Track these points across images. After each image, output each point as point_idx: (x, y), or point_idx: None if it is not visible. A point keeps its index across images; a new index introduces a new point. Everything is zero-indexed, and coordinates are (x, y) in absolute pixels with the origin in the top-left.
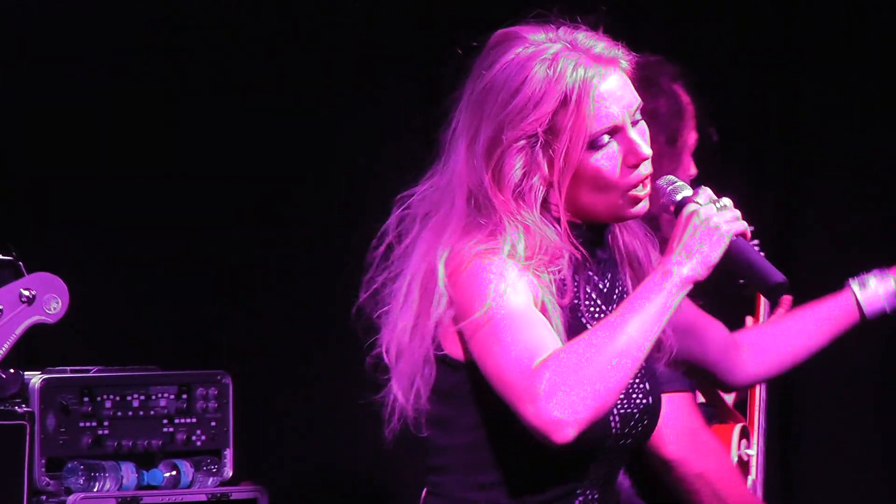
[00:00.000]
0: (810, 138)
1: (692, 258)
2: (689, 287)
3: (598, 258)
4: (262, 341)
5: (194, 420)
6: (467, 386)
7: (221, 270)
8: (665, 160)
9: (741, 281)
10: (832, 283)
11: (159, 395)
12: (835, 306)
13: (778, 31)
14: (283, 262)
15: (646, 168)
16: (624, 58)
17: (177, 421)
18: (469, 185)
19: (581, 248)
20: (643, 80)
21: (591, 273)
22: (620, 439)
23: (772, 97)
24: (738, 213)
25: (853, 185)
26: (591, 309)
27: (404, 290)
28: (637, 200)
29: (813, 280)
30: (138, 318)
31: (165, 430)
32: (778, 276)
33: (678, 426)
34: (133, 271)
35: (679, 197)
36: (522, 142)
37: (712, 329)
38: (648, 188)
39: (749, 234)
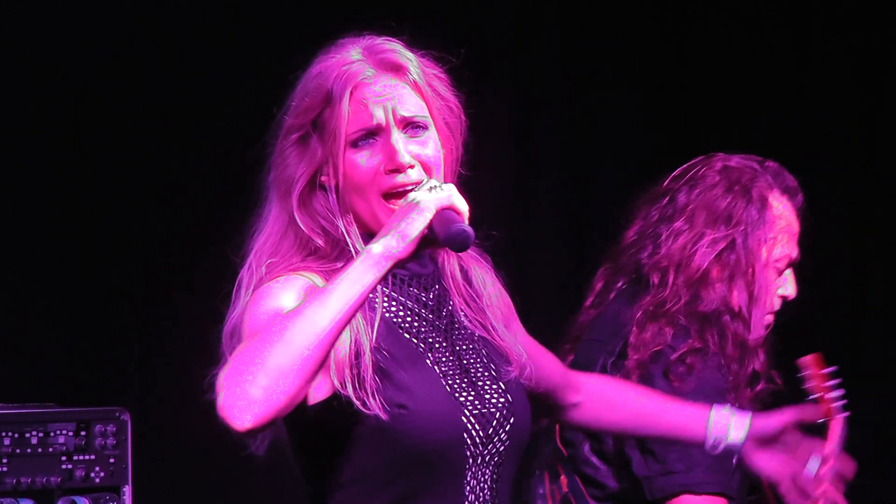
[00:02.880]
0: None
1: (388, 234)
2: (389, 263)
3: (414, 272)
4: (160, 377)
5: (93, 457)
6: (318, 431)
7: (119, 306)
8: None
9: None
10: None
11: (58, 432)
12: (690, 417)
13: None
14: (182, 297)
15: (406, 177)
16: (415, 68)
17: (75, 458)
18: (268, 185)
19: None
20: (732, 188)
21: (411, 287)
22: (488, 444)
23: None
24: (452, 192)
25: None
26: (409, 320)
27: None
28: (391, 213)
29: None
30: (35, 355)
31: (64, 466)
32: (458, 226)
33: None
34: (29, 308)
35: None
36: (296, 133)
37: (544, 361)
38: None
39: (460, 208)
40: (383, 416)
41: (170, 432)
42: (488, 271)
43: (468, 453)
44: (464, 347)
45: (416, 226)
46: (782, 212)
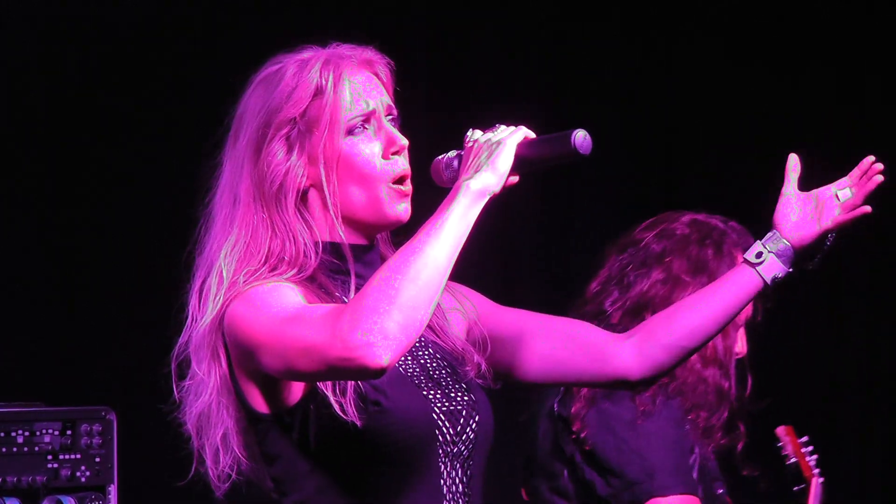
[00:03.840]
0: None
1: (480, 172)
2: (485, 199)
3: (367, 278)
4: (146, 377)
5: (78, 456)
6: (287, 439)
7: (107, 306)
8: None
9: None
10: None
11: (43, 432)
12: (731, 276)
13: None
14: (169, 297)
15: (404, 162)
16: (381, 64)
17: (61, 457)
18: (233, 191)
19: (346, 265)
20: (704, 241)
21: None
22: (458, 440)
23: None
24: (513, 127)
25: None
26: None
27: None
28: (401, 196)
29: None
30: (22, 354)
31: (50, 466)
32: (575, 133)
33: None
34: (16, 307)
35: (455, 160)
36: (283, 130)
37: (573, 332)
38: (411, 188)
39: (531, 134)
40: (359, 422)
41: (155, 432)
42: None
43: (441, 451)
44: (420, 352)
45: (504, 160)
46: None
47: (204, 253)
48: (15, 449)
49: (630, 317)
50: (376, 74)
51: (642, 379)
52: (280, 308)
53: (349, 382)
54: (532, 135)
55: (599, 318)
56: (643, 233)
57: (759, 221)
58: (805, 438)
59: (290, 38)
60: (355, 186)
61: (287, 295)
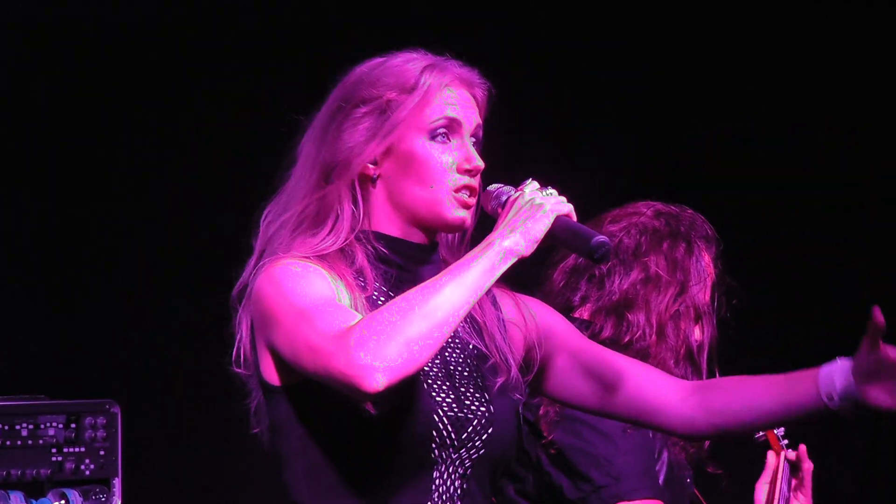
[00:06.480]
0: None
1: (515, 232)
2: (513, 259)
3: (421, 276)
4: (150, 370)
5: (83, 449)
6: (289, 414)
7: (110, 298)
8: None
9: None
10: None
11: (48, 425)
12: (806, 405)
13: None
14: (173, 289)
15: (475, 181)
16: (481, 88)
17: (65, 450)
18: (312, 161)
19: (397, 258)
20: (676, 236)
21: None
22: (460, 448)
23: None
24: (562, 198)
25: None
26: None
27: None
28: (463, 205)
29: None
30: (26, 347)
31: (54, 459)
32: (598, 237)
33: None
34: (20, 300)
35: (505, 197)
36: (365, 108)
37: (644, 377)
38: (474, 201)
39: (573, 215)
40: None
41: (160, 425)
42: (502, 290)
43: (434, 455)
44: (454, 355)
45: (540, 228)
46: (708, 261)
47: (275, 210)
48: (19, 442)
49: (606, 315)
50: (474, 96)
51: (691, 435)
52: (301, 297)
53: None
54: (574, 215)
55: (566, 311)
56: (609, 226)
57: (760, 223)
58: None
59: (291, 38)
60: (418, 185)
61: (313, 284)
